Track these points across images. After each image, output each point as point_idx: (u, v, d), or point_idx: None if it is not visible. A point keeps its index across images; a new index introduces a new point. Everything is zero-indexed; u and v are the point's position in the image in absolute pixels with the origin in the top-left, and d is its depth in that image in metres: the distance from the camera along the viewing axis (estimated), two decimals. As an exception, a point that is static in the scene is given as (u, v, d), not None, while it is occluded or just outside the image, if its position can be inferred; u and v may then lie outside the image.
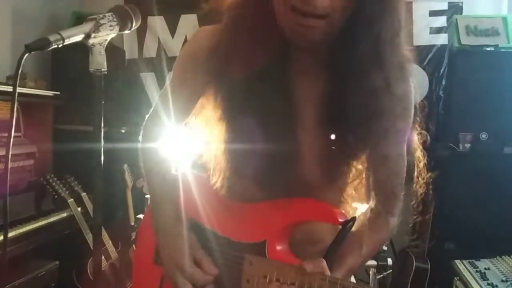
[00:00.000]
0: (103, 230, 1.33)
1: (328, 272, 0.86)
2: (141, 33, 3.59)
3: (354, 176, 1.03)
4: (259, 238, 0.96)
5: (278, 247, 0.94)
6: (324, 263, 0.86)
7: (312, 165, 0.95)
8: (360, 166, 1.02)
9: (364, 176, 1.02)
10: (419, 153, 1.07)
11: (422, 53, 3.14)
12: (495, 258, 2.34)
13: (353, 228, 0.96)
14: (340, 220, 0.91)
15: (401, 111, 0.93)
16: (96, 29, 0.85)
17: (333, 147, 0.93)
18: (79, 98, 2.77)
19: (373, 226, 1.01)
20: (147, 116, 1.14)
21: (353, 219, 0.91)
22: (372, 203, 1.03)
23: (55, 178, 2.59)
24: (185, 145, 1.20)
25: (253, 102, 0.90)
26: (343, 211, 0.95)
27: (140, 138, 1.14)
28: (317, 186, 0.98)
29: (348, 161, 0.99)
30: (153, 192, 1.11)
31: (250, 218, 0.99)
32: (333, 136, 0.93)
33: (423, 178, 1.08)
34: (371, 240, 1.00)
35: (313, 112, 0.94)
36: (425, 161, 1.07)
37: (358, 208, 1.07)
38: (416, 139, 1.05)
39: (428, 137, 1.11)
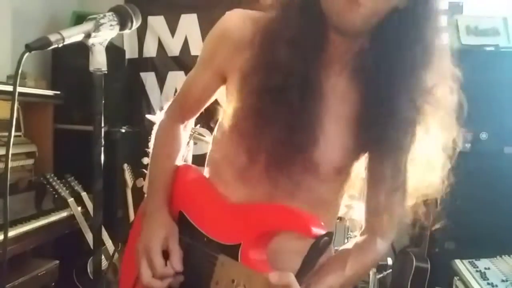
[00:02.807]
0: (103, 229, 1.32)
1: (295, 286, 0.81)
2: (141, 32, 3.59)
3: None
4: (235, 241, 0.94)
5: (252, 253, 0.91)
6: (292, 277, 0.81)
7: (327, 153, 0.94)
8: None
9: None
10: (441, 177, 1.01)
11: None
12: (495, 258, 2.34)
13: (343, 247, 0.95)
14: (315, 233, 0.85)
15: (441, 118, 0.95)
16: (96, 28, 0.85)
17: (353, 143, 0.94)
18: (79, 98, 2.77)
19: (361, 247, 0.99)
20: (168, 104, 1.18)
21: (329, 234, 0.84)
22: (363, 226, 1.02)
23: (55, 178, 2.58)
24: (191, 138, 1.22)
25: (290, 83, 0.89)
26: (322, 225, 0.88)
27: (158, 122, 1.18)
28: (325, 176, 0.96)
29: (359, 157, 0.99)
30: (154, 173, 1.15)
31: (232, 219, 0.97)
32: (357, 134, 0.93)
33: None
34: (357, 262, 0.97)
35: (341, 106, 0.95)
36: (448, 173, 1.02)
37: (353, 206, 1.07)
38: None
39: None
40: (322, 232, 0.84)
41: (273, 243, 0.93)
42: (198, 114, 1.16)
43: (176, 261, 0.99)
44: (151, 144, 1.17)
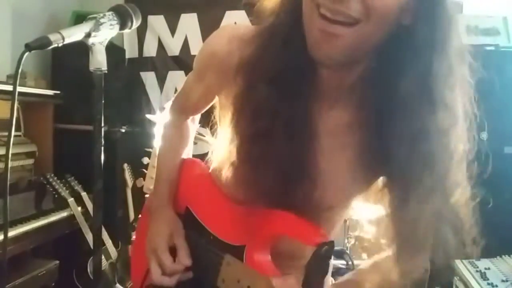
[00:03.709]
0: (103, 229, 1.32)
1: None
2: (141, 32, 3.59)
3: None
4: (240, 242, 0.95)
5: (257, 255, 0.92)
6: (293, 281, 0.81)
7: (327, 192, 0.89)
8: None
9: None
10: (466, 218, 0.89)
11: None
12: (495, 258, 2.34)
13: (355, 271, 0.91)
14: (316, 241, 0.84)
15: (450, 156, 0.81)
16: (96, 28, 0.84)
17: (356, 181, 0.88)
18: (79, 97, 2.75)
19: (380, 268, 0.91)
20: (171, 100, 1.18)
21: (330, 243, 0.82)
22: (383, 256, 0.93)
23: (55, 178, 2.59)
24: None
25: (277, 126, 0.83)
26: (325, 235, 0.86)
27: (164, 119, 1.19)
28: (324, 211, 0.93)
29: (362, 193, 0.93)
30: (161, 168, 1.15)
31: (239, 220, 0.98)
32: (360, 173, 0.86)
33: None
34: (373, 283, 0.92)
35: (337, 142, 0.88)
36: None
37: (357, 209, 1.06)
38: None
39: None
40: (324, 240, 0.84)
41: (276, 250, 0.94)
42: (203, 111, 1.14)
43: (184, 256, 1.01)
44: (156, 141, 1.18)
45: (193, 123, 1.19)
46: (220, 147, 0.98)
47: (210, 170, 1.10)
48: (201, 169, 1.14)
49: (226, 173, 0.91)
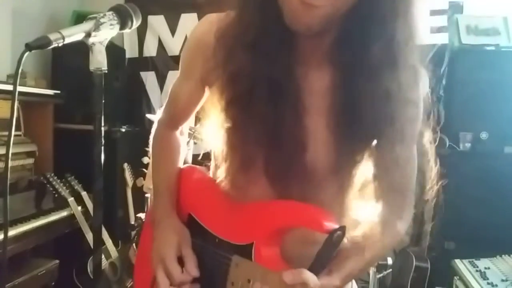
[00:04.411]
0: (103, 229, 1.33)
1: (310, 282, 0.80)
2: (142, 32, 3.59)
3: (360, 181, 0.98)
4: (247, 240, 0.93)
5: (266, 251, 0.91)
6: (306, 273, 0.80)
7: (319, 154, 0.91)
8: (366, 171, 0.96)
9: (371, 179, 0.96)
10: (431, 162, 1.03)
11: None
12: (495, 258, 2.34)
13: (359, 232, 0.91)
14: (327, 228, 0.84)
15: (413, 115, 0.90)
16: (97, 28, 0.85)
17: (341, 139, 0.90)
18: (79, 97, 2.76)
19: (379, 230, 0.94)
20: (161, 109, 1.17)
21: (342, 228, 0.84)
22: (379, 208, 0.97)
23: (56, 177, 2.58)
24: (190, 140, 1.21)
25: (258, 89, 0.86)
26: (334, 219, 0.88)
27: (154, 126, 1.17)
28: (322, 178, 0.94)
29: (354, 154, 0.94)
30: (157, 181, 1.13)
31: (242, 218, 0.97)
32: (341, 129, 0.89)
33: (433, 187, 1.04)
34: (375, 245, 0.94)
35: (321, 103, 0.91)
36: (437, 169, 1.04)
37: (360, 207, 1.05)
38: (428, 145, 1.02)
39: (437, 140, 1.06)
40: (335, 226, 0.84)
41: (286, 240, 0.93)
42: (190, 118, 1.15)
43: (192, 267, 0.99)
44: (150, 151, 1.17)
45: (181, 135, 1.19)
46: (214, 137, 0.99)
47: (211, 175, 1.10)
48: (200, 174, 1.13)
49: (222, 154, 0.93)
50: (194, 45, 1.00)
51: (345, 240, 0.88)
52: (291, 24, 0.81)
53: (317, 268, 0.84)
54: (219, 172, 0.97)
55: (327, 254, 0.85)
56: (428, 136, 1.00)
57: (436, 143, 1.03)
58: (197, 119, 1.24)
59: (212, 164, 1.10)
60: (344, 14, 0.82)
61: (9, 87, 2.26)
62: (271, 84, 0.86)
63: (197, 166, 1.18)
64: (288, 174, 0.91)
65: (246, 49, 0.85)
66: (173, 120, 1.14)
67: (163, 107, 1.15)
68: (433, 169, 1.03)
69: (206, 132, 1.05)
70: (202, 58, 0.95)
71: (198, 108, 1.09)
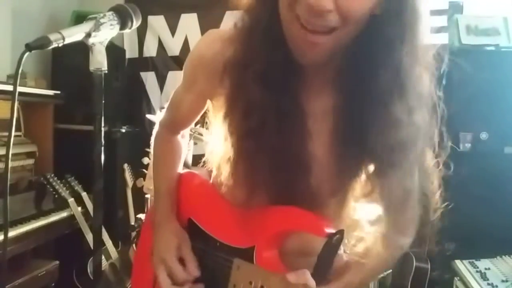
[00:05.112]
0: (103, 229, 1.33)
1: (311, 284, 0.83)
2: (142, 32, 3.59)
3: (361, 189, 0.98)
4: (248, 244, 0.95)
5: (267, 254, 0.93)
6: (307, 274, 0.83)
7: (322, 176, 0.92)
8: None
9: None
10: (435, 184, 1.02)
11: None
12: (495, 258, 2.34)
13: (361, 246, 0.92)
14: (326, 232, 0.87)
15: (417, 136, 0.89)
16: (97, 28, 0.85)
17: (342, 160, 0.90)
18: (79, 97, 2.77)
19: (381, 245, 0.94)
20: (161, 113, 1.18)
21: (340, 231, 0.86)
22: (382, 224, 0.96)
23: (56, 178, 2.58)
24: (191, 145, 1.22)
25: (269, 121, 0.86)
26: (331, 225, 0.89)
27: (154, 132, 1.18)
28: (324, 200, 0.95)
29: (356, 175, 0.94)
30: (158, 184, 1.14)
31: (243, 222, 0.98)
32: (346, 156, 0.89)
33: (438, 210, 1.05)
34: (376, 259, 0.94)
35: (323, 126, 0.91)
36: (440, 191, 1.03)
37: (359, 208, 1.05)
38: (432, 168, 1.00)
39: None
40: (333, 230, 0.86)
41: (286, 244, 0.94)
42: (193, 123, 1.16)
43: (193, 267, 1.00)
44: (151, 152, 1.18)
45: (183, 138, 1.19)
46: (216, 148, 1.00)
47: (210, 180, 1.10)
48: (200, 179, 1.13)
49: (224, 173, 0.94)
50: (197, 61, 1.00)
51: (342, 248, 0.91)
52: (298, 59, 0.83)
53: (319, 271, 0.86)
54: (220, 182, 0.98)
55: (328, 257, 0.87)
56: (430, 156, 0.99)
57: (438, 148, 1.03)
58: (198, 120, 1.24)
59: (213, 173, 1.09)
60: (349, 44, 0.83)
61: (9, 88, 2.26)
62: (279, 114, 0.87)
63: (197, 172, 1.18)
64: (292, 197, 0.92)
65: (255, 81, 0.86)
66: (174, 125, 1.15)
67: (165, 108, 1.16)
68: (437, 192, 1.03)
69: (208, 141, 1.07)
70: (204, 75, 0.97)
71: (199, 117, 1.10)
